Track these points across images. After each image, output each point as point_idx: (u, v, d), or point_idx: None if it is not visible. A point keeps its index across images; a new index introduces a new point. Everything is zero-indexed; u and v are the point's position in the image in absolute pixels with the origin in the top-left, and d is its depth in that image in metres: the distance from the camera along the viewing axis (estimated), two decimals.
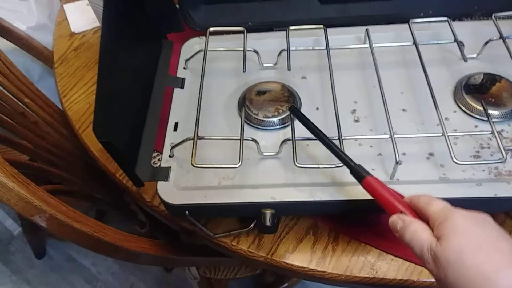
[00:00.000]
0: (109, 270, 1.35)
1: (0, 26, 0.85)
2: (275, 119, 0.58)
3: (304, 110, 0.59)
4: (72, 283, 1.35)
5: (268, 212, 0.51)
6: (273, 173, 0.54)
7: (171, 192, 0.52)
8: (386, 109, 0.54)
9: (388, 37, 0.65)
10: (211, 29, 0.65)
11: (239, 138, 0.53)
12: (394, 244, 0.55)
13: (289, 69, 0.60)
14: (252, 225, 0.55)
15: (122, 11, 0.53)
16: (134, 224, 0.86)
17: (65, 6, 0.89)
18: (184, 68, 0.66)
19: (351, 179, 0.52)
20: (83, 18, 0.86)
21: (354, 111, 0.60)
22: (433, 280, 0.52)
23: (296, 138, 0.53)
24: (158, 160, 0.62)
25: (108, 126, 0.46)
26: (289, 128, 0.58)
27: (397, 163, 0.50)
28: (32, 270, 1.39)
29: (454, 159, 0.49)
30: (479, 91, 0.58)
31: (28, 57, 0.89)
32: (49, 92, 0.86)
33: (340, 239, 0.56)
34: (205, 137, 0.54)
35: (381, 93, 0.56)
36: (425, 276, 0.52)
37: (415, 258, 0.53)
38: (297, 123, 0.55)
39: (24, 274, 1.38)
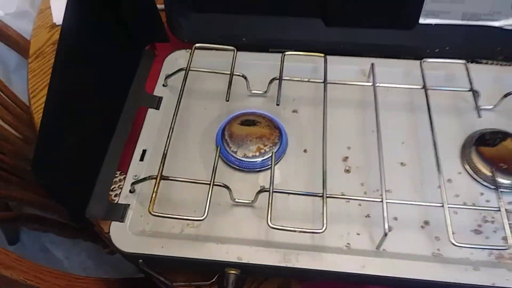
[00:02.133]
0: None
1: None
2: (256, 160, 0.51)
3: (290, 151, 0.53)
4: None
5: (232, 274, 0.44)
6: (244, 225, 0.47)
7: (125, 236, 0.46)
8: (381, 166, 0.47)
9: (396, 75, 0.58)
10: (197, 45, 0.57)
11: (209, 182, 0.46)
12: None
13: (277, 104, 0.53)
14: (215, 279, 0.48)
15: (93, 10, 0.46)
16: (98, 244, 0.79)
17: None
18: (164, 86, 0.59)
19: (333, 243, 0.46)
20: None
21: (346, 158, 0.53)
22: None
23: (275, 190, 0.46)
24: (119, 187, 0.55)
25: (52, 163, 0.39)
26: (269, 172, 0.51)
27: (385, 234, 0.43)
28: None
29: (452, 240, 0.42)
30: (490, 152, 0.51)
31: (4, 45, 0.82)
32: (25, 84, 0.79)
33: None
34: (170, 178, 0.47)
35: (378, 145, 0.49)
36: None
37: None
38: (283, 166, 0.49)
39: None
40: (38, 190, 0.69)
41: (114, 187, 0.54)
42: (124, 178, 0.51)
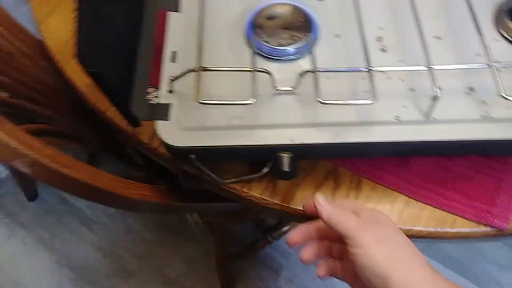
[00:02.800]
0: (106, 212, 1.30)
1: None
2: (291, 48, 0.49)
3: (322, 38, 0.52)
4: (68, 226, 1.31)
5: (286, 156, 0.44)
6: (290, 111, 0.47)
7: (174, 132, 0.45)
8: (422, 35, 0.46)
9: None
10: None
11: (250, 69, 0.45)
12: (423, 190, 0.50)
13: None
14: (265, 170, 0.48)
15: None
16: (129, 168, 0.79)
17: None
18: None
19: (381, 117, 0.46)
20: None
21: (380, 38, 0.52)
22: (468, 230, 0.47)
23: (317, 69, 0.45)
24: (155, 96, 0.54)
25: (95, 53, 0.38)
26: (306, 59, 0.50)
27: (435, 98, 0.43)
28: (25, 213, 1.34)
29: (504, 94, 0.42)
30: None
31: None
32: (24, 20, 0.76)
33: (363, 184, 0.50)
34: (210, 68, 0.45)
35: (415, 16, 0.48)
36: (460, 225, 0.47)
37: (448, 206, 0.48)
38: (317, 53, 0.47)
39: (17, 217, 1.33)
40: (67, 114, 0.67)
41: (150, 97, 0.53)
42: (156, 91, 0.49)
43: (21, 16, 0.77)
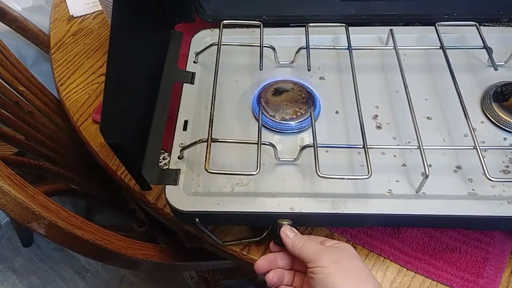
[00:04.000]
0: (101, 264, 1.31)
1: None
2: (293, 123, 0.54)
3: (323, 114, 0.56)
4: (60, 273, 1.31)
5: (285, 223, 0.47)
6: (290, 180, 0.50)
7: (181, 197, 0.48)
8: (413, 116, 0.51)
9: (411, 39, 0.62)
10: (225, 21, 0.61)
11: (256, 142, 0.49)
12: (414, 259, 0.52)
13: (309, 69, 0.56)
14: (264, 234, 0.51)
15: None
16: (131, 223, 0.81)
17: None
18: (194, 62, 0.61)
19: (375, 191, 0.49)
20: (83, 1, 0.80)
21: (375, 117, 0.56)
22: None
23: (318, 145, 0.49)
24: (164, 159, 0.58)
25: (118, 126, 0.42)
26: (307, 132, 0.54)
27: (426, 176, 0.46)
28: (19, 259, 1.33)
29: (488, 175, 0.46)
30: (508, 101, 0.55)
31: (22, 40, 0.83)
32: (43, 78, 0.81)
33: (358, 251, 0.53)
34: (220, 140, 0.49)
35: (407, 98, 0.52)
36: None
37: (437, 276, 0.51)
38: (318, 127, 0.52)
39: (10, 263, 1.33)
40: (78, 171, 0.71)
41: (160, 160, 0.57)
42: (169, 154, 0.53)
43: (40, 74, 0.83)
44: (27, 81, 0.67)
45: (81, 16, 0.80)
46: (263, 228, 0.51)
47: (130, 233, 0.86)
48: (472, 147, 0.48)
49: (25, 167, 0.56)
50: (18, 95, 0.64)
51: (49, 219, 0.41)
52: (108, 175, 0.62)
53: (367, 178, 0.46)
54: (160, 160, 0.58)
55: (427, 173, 0.46)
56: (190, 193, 0.49)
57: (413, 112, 0.51)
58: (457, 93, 0.53)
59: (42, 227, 0.41)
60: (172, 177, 0.50)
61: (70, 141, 0.70)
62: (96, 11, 0.80)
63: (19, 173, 0.44)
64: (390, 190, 0.49)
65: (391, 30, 0.60)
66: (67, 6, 0.80)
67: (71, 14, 0.79)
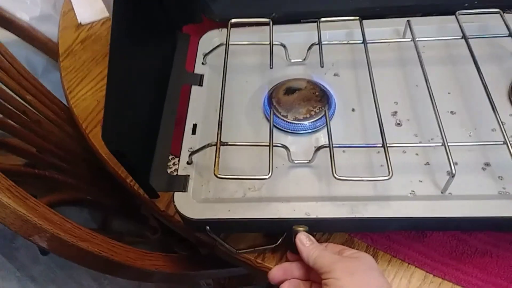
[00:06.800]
0: None
1: (1, 17, 0.79)
2: (307, 122, 0.51)
3: (338, 112, 0.53)
4: (79, 281, 1.30)
5: (301, 230, 0.44)
6: (305, 184, 0.48)
7: (190, 204, 0.46)
8: (436, 111, 0.47)
9: (430, 30, 0.58)
10: (233, 20, 0.58)
11: (268, 144, 0.46)
12: (441, 264, 0.49)
13: (322, 66, 0.53)
14: (279, 242, 0.48)
15: None
16: (143, 230, 0.80)
17: None
18: (203, 64, 0.59)
19: (397, 192, 0.46)
20: (91, 8, 0.79)
21: (395, 113, 0.53)
22: None
23: (334, 145, 0.46)
24: (174, 164, 0.56)
25: (120, 132, 0.40)
26: (322, 132, 0.52)
27: (452, 176, 0.43)
28: (37, 267, 1.33)
29: None
30: None
31: (31, 49, 0.83)
32: (52, 86, 0.80)
33: (379, 257, 0.50)
34: (229, 143, 0.47)
35: (429, 92, 0.49)
36: None
37: (467, 282, 0.47)
38: (333, 126, 0.49)
39: (29, 271, 1.33)
40: (87, 180, 0.69)
41: (169, 164, 0.55)
42: (178, 159, 0.51)
43: (50, 82, 0.82)
44: (34, 89, 0.66)
45: (89, 23, 0.78)
46: (278, 235, 0.48)
47: (147, 238, 0.84)
48: (501, 142, 0.45)
49: (29, 176, 0.55)
50: (25, 104, 0.63)
51: (51, 232, 0.39)
52: (119, 182, 0.60)
53: (388, 179, 0.43)
54: (170, 166, 0.56)
55: (454, 172, 0.43)
56: (200, 199, 0.47)
57: (436, 106, 0.48)
58: (483, 84, 0.49)
59: (44, 240, 0.39)
60: (181, 183, 0.47)
61: (80, 148, 0.69)
62: (104, 18, 0.78)
63: (27, 184, 0.42)
64: (413, 191, 0.46)
65: (408, 21, 0.57)
66: (75, 14, 0.79)
67: (79, 21, 0.78)
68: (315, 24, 0.58)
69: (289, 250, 0.48)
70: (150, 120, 0.49)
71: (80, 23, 0.78)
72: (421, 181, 0.47)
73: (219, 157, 0.45)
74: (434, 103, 0.48)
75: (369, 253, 0.49)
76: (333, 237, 0.51)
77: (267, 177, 0.43)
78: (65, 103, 0.71)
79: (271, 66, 0.54)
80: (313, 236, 0.45)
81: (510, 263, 0.48)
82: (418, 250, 0.50)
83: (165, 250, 0.90)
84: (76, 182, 0.63)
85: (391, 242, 0.50)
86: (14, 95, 0.61)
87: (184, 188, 0.47)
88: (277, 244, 0.48)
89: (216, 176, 0.43)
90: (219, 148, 0.46)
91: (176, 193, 0.47)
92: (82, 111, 0.66)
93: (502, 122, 0.47)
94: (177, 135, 0.52)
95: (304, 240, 0.43)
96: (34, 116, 0.63)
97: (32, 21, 0.84)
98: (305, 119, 0.51)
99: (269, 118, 0.51)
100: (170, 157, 0.56)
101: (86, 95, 0.68)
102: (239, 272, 0.81)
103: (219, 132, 0.47)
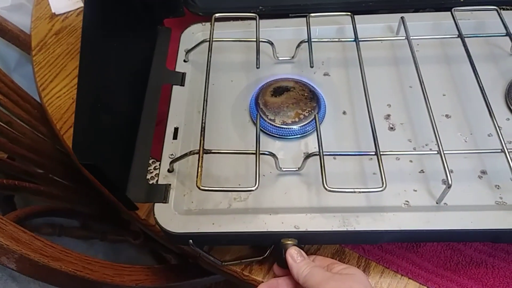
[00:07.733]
0: None
1: None
2: (296, 127, 0.48)
3: (329, 115, 0.50)
4: None
5: (290, 243, 0.42)
6: (294, 193, 0.45)
7: (172, 217, 0.43)
8: (431, 114, 0.45)
9: (425, 28, 0.56)
10: (217, 15, 0.55)
11: (254, 152, 0.43)
12: (435, 275, 0.47)
13: (311, 65, 0.50)
14: (267, 254, 0.46)
15: None
16: (126, 235, 0.76)
17: None
18: (185, 61, 0.55)
19: (390, 203, 0.43)
20: None
21: (388, 116, 0.50)
22: None
23: (325, 153, 0.43)
24: (155, 169, 0.53)
25: (93, 142, 0.36)
26: (311, 137, 0.49)
27: (449, 186, 0.41)
28: None
29: None
30: None
31: (2, 42, 0.78)
32: (27, 82, 0.76)
33: (372, 268, 0.48)
34: (213, 151, 0.44)
35: (423, 94, 0.46)
36: None
37: None
38: (323, 131, 0.46)
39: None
40: (60, 185, 0.65)
41: (150, 169, 0.52)
42: (159, 163, 0.47)
43: (24, 77, 0.77)
44: (5, 87, 0.62)
45: (64, 13, 0.74)
46: (266, 246, 0.46)
47: (129, 243, 0.81)
48: (499, 150, 0.42)
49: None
50: None
51: (20, 253, 0.36)
52: (96, 188, 0.57)
53: (381, 190, 0.40)
54: (150, 170, 0.53)
55: (450, 182, 0.40)
56: (182, 211, 0.44)
57: (430, 110, 0.45)
58: (479, 86, 0.47)
59: (13, 262, 0.36)
60: (161, 193, 0.44)
61: (55, 151, 0.65)
62: (79, 7, 0.74)
63: None
64: (407, 201, 0.44)
65: (402, 18, 0.54)
66: (49, 3, 0.74)
67: (53, 11, 0.73)
68: (304, 19, 0.55)
69: (276, 263, 0.45)
70: (127, 125, 0.45)
71: (54, 13, 0.73)
72: (415, 191, 0.44)
73: (202, 166, 0.42)
74: (429, 107, 0.45)
75: (360, 264, 0.48)
76: (323, 248, 0.49)
77: (253, 188, 0.40)
78: (39, 100, 0.66)
79: (258, 66, 0.50)
80: (302, 248, 0.43)
81: (506, 274, 0.46)
82: (412, 261, 0.48)
83: (151, 250, 0.87)
84: (51, 190, 0.59)
85: (383, 253, 0.48)
86: None
87: (165, 199, 0.44)
88: (265, 256, 0.46)
89: (199, 188, 0.40)
90: (202, 156, 0.42)
91: (156, 204, 0.44)
92: (56, 111, 0.62)
93: (499, 127, 0.44)
94: (158, 134, 0.48)
95: (295, 256, 0.41)
96: (4, 117, 0.59)
97: (3, 11, 0.78)
98: (293, 123, 0.48)
99: (255, 122, 0.48)
100: (151, 161, 0.53)
101: (60, 93, 0.64)
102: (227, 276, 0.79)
103: (201, 138, 0.44)
